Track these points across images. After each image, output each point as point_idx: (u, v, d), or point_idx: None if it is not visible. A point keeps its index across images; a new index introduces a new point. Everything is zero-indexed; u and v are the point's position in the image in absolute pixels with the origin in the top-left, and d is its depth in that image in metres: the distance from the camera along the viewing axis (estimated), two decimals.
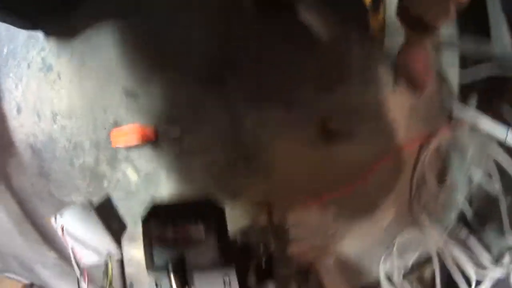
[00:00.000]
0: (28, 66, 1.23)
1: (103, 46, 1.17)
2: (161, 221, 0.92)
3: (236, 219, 1.27)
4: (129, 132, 1.15)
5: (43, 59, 1.22)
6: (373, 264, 1.69)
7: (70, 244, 1.12)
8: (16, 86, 1.25)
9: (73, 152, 1.26)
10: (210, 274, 0.90)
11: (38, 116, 1.26)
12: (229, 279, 0.90)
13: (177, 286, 0.86)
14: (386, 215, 1.63)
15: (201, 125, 1.24)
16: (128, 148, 1.20)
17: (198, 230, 0.91)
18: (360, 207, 1.54)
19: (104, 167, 1.25)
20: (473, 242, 1.48)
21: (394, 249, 1.62)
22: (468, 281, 1.41)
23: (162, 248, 0.91)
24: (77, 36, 1.18)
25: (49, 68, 1.22)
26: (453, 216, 1.58)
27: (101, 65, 1.18)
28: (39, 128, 1.27)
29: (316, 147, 1.33)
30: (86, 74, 1.20)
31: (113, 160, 1.24)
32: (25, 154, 1.30)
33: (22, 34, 1.20)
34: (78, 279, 1.11)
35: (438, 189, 1.56)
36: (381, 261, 1.66)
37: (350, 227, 1.57)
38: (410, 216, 1.66)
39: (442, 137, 1.51)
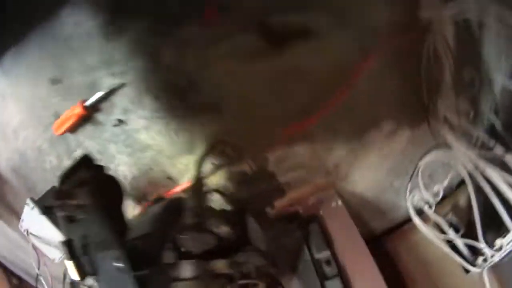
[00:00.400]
0: None
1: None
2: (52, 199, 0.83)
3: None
4: (64, 118, 1.11)
5: None
6: (398, 198, 1.46)
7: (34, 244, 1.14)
8: None
9: (40, 158, 1.27)
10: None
11: (5, 139, 1.26)
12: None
13: (74, 271, 0.77)
14: (398, 136, 1.37)
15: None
16: (74, 133, 1.15)
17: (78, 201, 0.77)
18: (359, 127, 1.30)
19: (65, 161, 1.23)
20: (509, 158, 1.15)
21: (419, 176, 1.37)
22: (508, 204, 1.10)
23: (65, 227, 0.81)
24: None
25: None
26: (481, 126, 1.25)
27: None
28: (10, 149, 1.27)
29: (269, 58, 1.07)
30: (20, 82, 1.15)
31: (69, 151, 1.21)
32: (12, 178, 1.34)
33: None
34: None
35: (456, 92, 1.22)
36: (407, 193, 1.41)
37: (354, 155, 1.35)
38: (430, 133, 1.38)
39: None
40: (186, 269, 0.84)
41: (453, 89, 1.21)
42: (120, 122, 1.13)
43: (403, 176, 1.45)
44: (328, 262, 1.22)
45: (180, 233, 0.87)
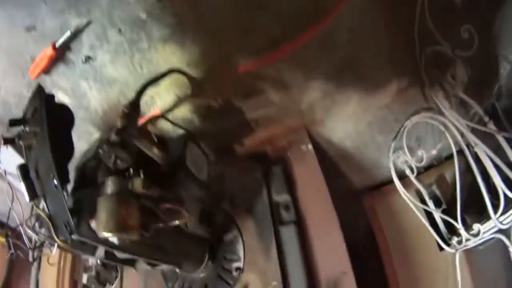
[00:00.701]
0: None
1: None
2: None
3: None
4: (38, 61, 1.15)
5: None
6: (380, 155, 1.39)
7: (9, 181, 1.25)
8: None
9: (21, 103, 1.24)
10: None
11: None
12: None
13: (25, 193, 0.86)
14: (383, 88, 1.28)
15: None
16: (49, 75, 1.19)
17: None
18: (337, 70, 1.21)
19: None
20: (503, 141, 1.05)
21: (404, 137, 1.30)
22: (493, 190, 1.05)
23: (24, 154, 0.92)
24: None
25: None
26: (478, 100, 1.13)
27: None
28: None
29: None
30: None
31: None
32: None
33: None
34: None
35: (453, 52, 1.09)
36: (390, 152, 1.35)
37: (331, 99, 1.28)
38: (421, 94, 1.28)
39: None
40: (108, 186, 0.88)
41: (449, 48, 1.09)
42: (89, 58, 1.14)
43: (387, 133, 1.38)
44: (286, 207, 1.24)
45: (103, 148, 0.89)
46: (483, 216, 1.08)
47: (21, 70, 1.20)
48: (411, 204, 1.28)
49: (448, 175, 1.36)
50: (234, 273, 1.18)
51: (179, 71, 1.13)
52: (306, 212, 1.23)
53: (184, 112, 1.28)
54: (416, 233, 1.32)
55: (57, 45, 1.09)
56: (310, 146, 1.33)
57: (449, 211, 1.22)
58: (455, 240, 1.20)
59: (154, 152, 0.95)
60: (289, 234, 1.19)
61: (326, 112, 1.32)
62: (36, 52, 1.14)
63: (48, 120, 0.86)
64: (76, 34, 1.09)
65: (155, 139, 0.98)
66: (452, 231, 1.22)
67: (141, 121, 1.26)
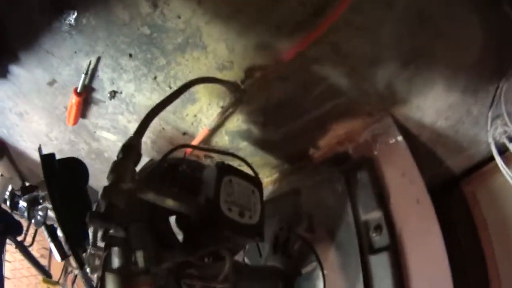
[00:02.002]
0: None
1: None
2: None
3: None
4: (68, 109, 1.17)
5: None
6: (478, 129, 0.99)
7: None
8: None
9: (74, 148, 1.43)
10: None
11: (44, 144, 1.39)
12: None
13: None
14: (471, 40, 0.85)
15: None
16: (86, 118, 1.21)
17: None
18: (410, 29, 0.82)
19: (92, 143, 1.34)
20: None
21: (502, 101, 0.91)
22: None
23: None
24: None
25: None
26: None
27: None
28: (52, 150, 1.36)
29: None
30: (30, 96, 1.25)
31: (90, 134, 1.29)
32: None
33: None
34: None
35: None
36: (488, 124, 0.95)
37: (412, 68, 0.89)
38: None
39: None
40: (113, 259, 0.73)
41: None
42: (114, 93, 1.08)
43: (481, 101, 0.94)
44: (377, 228, 0.90)
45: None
46: None
47: (62, 120, 1.23)
48: None
49: None
50: None
51: (202, 80, 0.93)
52: (402, 231, 0.88)
53: (237, 124, 1.07)
54: None
55: (79, 90, 1.07)
56: (399, 138, 0.94)
57: None
58: None
59: (169, 204, 0.77)
60: (380, 265, 0.85)
61: (410, 86, 0.92)
62: (65, 101, 1.15)
63: (48, 180, 0.79)
64: (91, 74, 1.05)
65: (177, 180, 0.82)
66: None
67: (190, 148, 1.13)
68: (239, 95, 0.98)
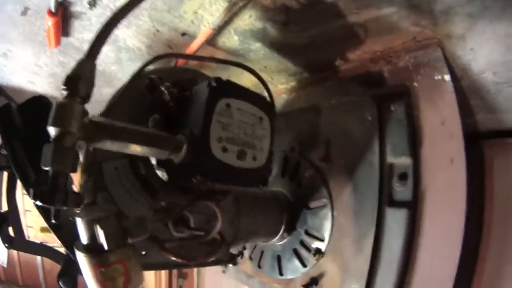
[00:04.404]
0: None
1: None
2: None
3: None
4: (47, 33, 1.02)
5: None
6: None
7: None
8: None
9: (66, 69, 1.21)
10: None
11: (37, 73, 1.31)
12: None
13: None
14: None
15: None
16: (69, 36, 1.04)
17: None
18: None
19: None
20: None
21: None
22: None
23: None
24: None
25: None
26: None
27: None
28: (45, 76, 1.31)
29: None
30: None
31: (79, 50, 1.11)
32: None
33: None
34: None
35: None
36: None
37: (469, 5, 0.63)
38: None
39: None
40: None
41: None
42: (94, 0, 0.88)
43: None
44: (403, 177, 0.74)
45: None
46: None
47: (46, 45, 1.07)
48: None
49: None
50: (312, 254, 0.86)
51: None
52: (427, 189, 0.73)
53: (249, 21, 0.83)
54: None
55: (53, 10, 0.92)
56: (447, 77, 0.71)
57: None
58: None
59: (136, 151, 0.57)
60: (397, 221, 0.74)
61: (471, 25, 0.65)
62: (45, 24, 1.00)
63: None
64: None
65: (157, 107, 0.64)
66: None
67: (189, 51, 0.90)
68: None
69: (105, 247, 0.52)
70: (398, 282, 0.73)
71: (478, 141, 0.86)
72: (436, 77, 0.72)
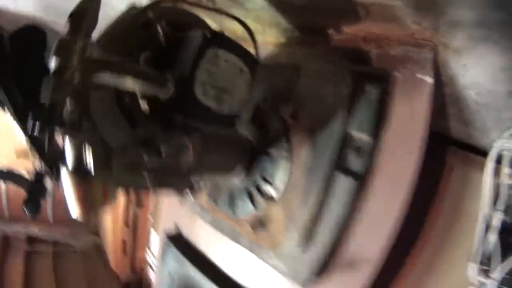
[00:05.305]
0: None
1: None
2: None
3: None
4: None
5: None
6: (494, 129, 0.82)
7: None
8: None
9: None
10: None
11: None
12: None
13: None
14: None
15: None
16: None
17: None
18: None
19: None
20: None
21: None
22: None
23: None
24: None
25: None
26: None
27: None
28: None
29: None
30: None
31: None
32: None
33: None
34: None
35: None
36: (505, 133, 0.78)
37: (488, 28, 0.66)
38: None
39: None
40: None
41: None
42: None
43: None
44: (359, 150, 0.84)
45: None
46: None
47: None
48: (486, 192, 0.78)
49: None
50: (264, 199, 0.97)
51: None
52: (379, 167, 0.83)
53: None
54: (466, 222, 0.85)
55: None
56: (429, 79, 0.77)
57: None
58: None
59: (127, 85, 0.64)
60: (344, 188, 0.84)
61: (471, 46, 0.70)
62: None
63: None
64: None
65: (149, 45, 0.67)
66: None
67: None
68: None
69: (91, 168, 0.60)
70: (334, 239, 0.85)
71: (446, 146, 0.93)
72: (419, 75, 0.78)
